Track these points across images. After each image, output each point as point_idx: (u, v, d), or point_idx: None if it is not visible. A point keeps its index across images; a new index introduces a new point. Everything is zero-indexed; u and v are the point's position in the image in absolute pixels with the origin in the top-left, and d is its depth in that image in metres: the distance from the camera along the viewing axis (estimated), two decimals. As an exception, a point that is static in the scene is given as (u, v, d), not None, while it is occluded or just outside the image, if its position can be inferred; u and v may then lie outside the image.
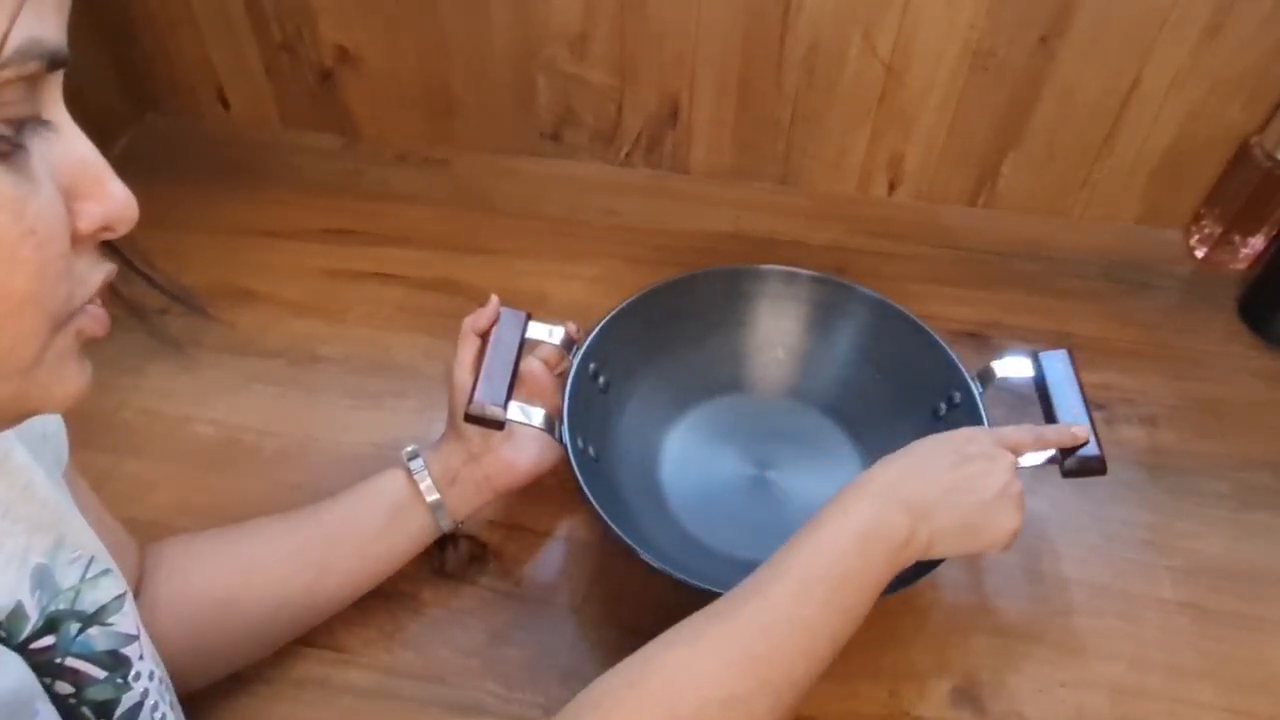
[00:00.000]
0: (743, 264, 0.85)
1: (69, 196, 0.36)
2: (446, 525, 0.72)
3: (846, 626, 0.56)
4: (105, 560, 0.51)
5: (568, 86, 1.09)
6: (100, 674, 0.48)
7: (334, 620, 0.71)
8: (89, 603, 0.49)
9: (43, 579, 0.46)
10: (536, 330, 0.76)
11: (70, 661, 0.47)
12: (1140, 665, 0.72)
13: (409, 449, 0.72)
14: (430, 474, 0.70)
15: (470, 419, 0.70)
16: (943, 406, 0.77)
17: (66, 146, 0.36)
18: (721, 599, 0.56)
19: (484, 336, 0.74)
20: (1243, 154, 0.98)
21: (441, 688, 0.70)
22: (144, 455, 0.85)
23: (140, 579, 0.63)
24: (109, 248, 0.40)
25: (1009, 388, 0.75)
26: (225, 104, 1.21)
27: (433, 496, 0.70)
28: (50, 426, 0.55)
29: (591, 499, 0.67)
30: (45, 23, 0.32)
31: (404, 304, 1.00)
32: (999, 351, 0.94)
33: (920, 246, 1.07)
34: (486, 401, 0.69)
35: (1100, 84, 0.97)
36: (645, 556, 0.64)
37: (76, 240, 0.36)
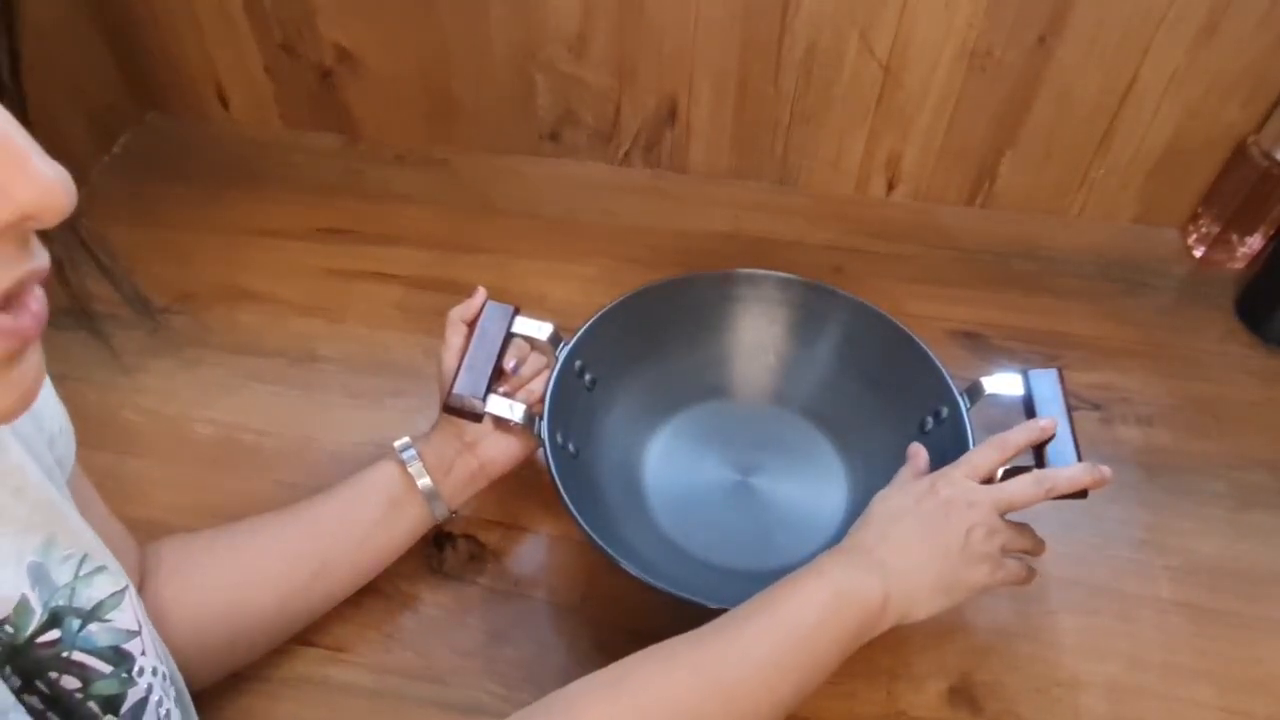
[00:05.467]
0: (735, 267, 0.84)
1: None
2: (443, 514, 0.72)
3: (812, 673, 0.57)
4: (100, 557, 0.51)
5: (566, 87, 1.09)
6: (106, 669, 0.49)
7: (333, 619, 0.72)
8: (85, 599, 0.49)
9: (39, 576, 0.47)
10: (525, 326, 0.76)
11: (77, 656, 0.47)
12: (1137, 665, 0.72)
13: (401, 440, 0.72)
14: (424, 463, 0.71)
15: (449, 410, 0.70)
16: (929, 421, 0.76)
17: None
18: (700, 629, 0.58)
19: (471, 326, 0.74)
20: (1240, 153, 0.98)
21: (440, 687, 0.70)
22: (144, 454, 0.86)
23: (141, 580, 0.63)
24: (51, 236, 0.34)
25: (998, 403, 0.74)
26: (225, 103, 1.21)
27: (427, 487, 0.71)
28: (57, 426, 0.55)
29: (563, 494, 0.67)
30: None
31: (403, 303, 1.00)
32: (995, 351, 0.95)
33: (918, 246, 1.07)
34: (466, 393, 0.70)
35: (1098, 83, 0.97)
36: (609, 551, 0.64)
37: None
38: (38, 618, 0.45)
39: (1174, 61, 0.94)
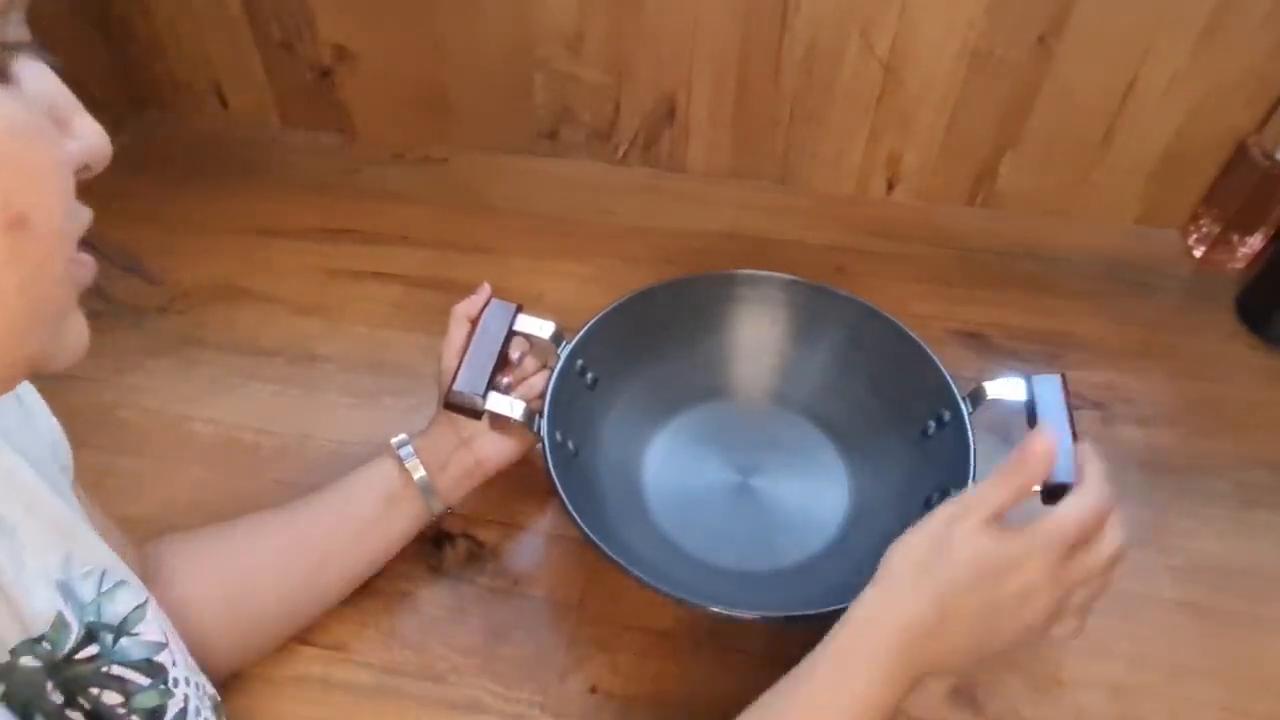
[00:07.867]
0: (734, 267, 0.84)
1: None
2: (438, 509, 0.72)
3: None
4: (119, 571, 0.51)
5: (564, 85, 1.09)
6: (144, 681, 0.48)
7: (332, 618, 0.71)
8: (111, 615, 0.49)
9: (67, 593, 0.46)
10: (527, 324, 0.76)
11: (115, 670, 0.47)
12: (1140, 664, 0.72)
13: (398, 437, 0.72)
14: (421, 460, 0.71)
15: (450, 407, 0.70)
16: (932, 425, 0.75)
17: (41, 80, 0.34)
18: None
19: (474, 323, 0.74)
20: (1241, 154, 0.98)
21: (440, 686, 0.70)
22: (141, 453, 0.85)
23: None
24: None
25: (1000, 406, 0.74)
26: (224, 102, 1.20)
27: (423, 482, 0.71)
28: (53, 436, 0.55)
29: (562, 493, 0.66)
30: None
31: (401, 302, 1.00)
32: (997, 351, 0.95)
33: (919, 246, 1.07)
34: (466, 390, 0.69)
35: (1099, 84, 0.97)
36: (607, 551, 0.64)
37: None
38: (75, 634, 0.45)
39: (1175, 62, 0.94)
